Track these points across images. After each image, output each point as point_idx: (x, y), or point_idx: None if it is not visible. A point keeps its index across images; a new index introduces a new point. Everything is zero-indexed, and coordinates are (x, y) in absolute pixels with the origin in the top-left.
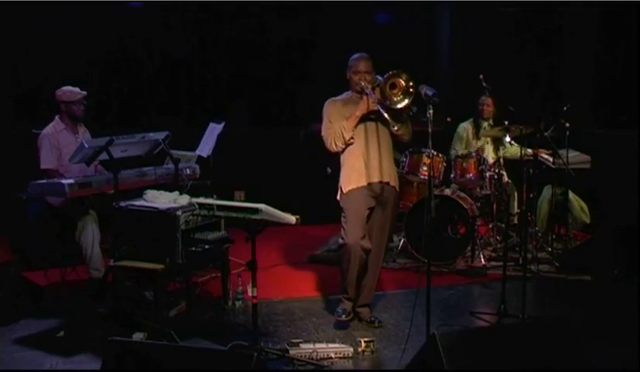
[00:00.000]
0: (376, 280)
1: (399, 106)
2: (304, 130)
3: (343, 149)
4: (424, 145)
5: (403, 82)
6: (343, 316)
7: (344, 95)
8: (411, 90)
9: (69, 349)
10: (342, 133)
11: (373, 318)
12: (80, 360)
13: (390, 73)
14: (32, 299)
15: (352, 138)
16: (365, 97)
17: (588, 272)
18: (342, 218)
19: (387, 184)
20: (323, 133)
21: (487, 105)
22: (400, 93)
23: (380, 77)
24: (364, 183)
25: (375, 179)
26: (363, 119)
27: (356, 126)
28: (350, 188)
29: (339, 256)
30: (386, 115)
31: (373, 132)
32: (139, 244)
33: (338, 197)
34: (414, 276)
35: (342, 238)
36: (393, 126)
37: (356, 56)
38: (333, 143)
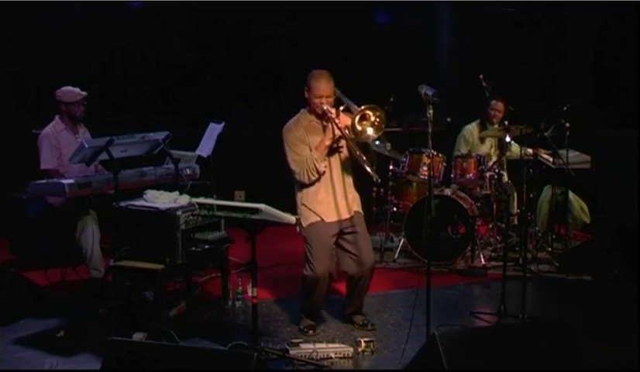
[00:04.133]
0: (365, 293)
1: (363, 137)
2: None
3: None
4: (424, 145)
5: (373, 117)
6: (310, 332)
7: (300, 117)
8: (376, 124)
9: (69, 349)
10: (315, 166)
11: (365, 322)
12: (80, 360)
13: (364, 107)
14: (32, 299)
15: (324, 169)
16: (330, 125)
17: (588, 272)
18: (306, 249)
19: (350, 217)
20: (293, 167)
21: (499, 110)
22: (367, 125)
23: (340, 93)
24: (331, 219)
25: (343, 216)
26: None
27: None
28: (313, 221)
29: (302, 284)
30: (350, 143)
31: (336, 161)
32: (139, 244)
33: (298, 230)
34: (414, 276)
35: (307, 270)
36: (356, 151)
37: (315, 75)
38: (306, 176)
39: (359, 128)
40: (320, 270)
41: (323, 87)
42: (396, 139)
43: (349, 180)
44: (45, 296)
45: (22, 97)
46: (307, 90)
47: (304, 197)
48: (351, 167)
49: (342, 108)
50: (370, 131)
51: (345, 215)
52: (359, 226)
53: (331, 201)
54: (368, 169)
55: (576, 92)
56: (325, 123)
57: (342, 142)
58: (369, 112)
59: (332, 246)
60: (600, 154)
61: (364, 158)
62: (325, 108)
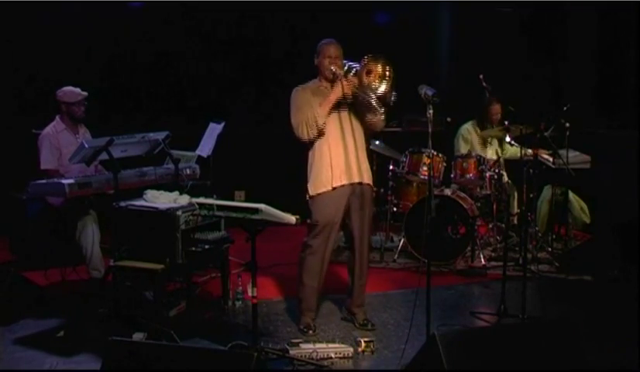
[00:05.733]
0: (365, 279)
1: (378, 93)
2: None
3: (313, 144)
4: (424, 145)
5: (379, 68)
6: (310, 332)
7: (311, 83)
8: (387, 75)
9: (69, 349)
10: (316, 120)
11: (365, 322)
12: (80, 360)
13: (366, 58)
14: (32, 299)
15: (324, 125)
16: (339, 81)
17: (588, 272)
18: (309, 222)
19: (361, 183)
20: (293, 122)
21: (495, 113)
22: (376, 79)
23: (347, 62)
24: (339, 183)
25: (353, 180)
26: (336, 111)
27: (329, 114)
28: (321, 191)
29: (301, 262)
30: (372, 100)
31: (348, 125)
32: (139, 244)
33: (307, 197)
34: (414, 276)
35: (306, 242)
36: (369, 114)
37: (325, 41)
38: (305, 131)
39: (366, 82)
40: (317, 249)
41: (332, 49)
42: (396, 139)
43: (362, 147)
44: (45, 296)
45: (22, 97)
46: (317, 55)
47: (315, 156)
48: (364, 137)
49: (351, 73)
50: (383, 87)
51: (356, 179)
52: (364, 202)
53: (342, 162)
54: (375, 104)
55: (576, 92)
56: (333, 86)
57: (350, 98)
58: (373, 64)
59: (337, 222)
60: (600, 154)
61: (372, 102)
62: (333, 68)
